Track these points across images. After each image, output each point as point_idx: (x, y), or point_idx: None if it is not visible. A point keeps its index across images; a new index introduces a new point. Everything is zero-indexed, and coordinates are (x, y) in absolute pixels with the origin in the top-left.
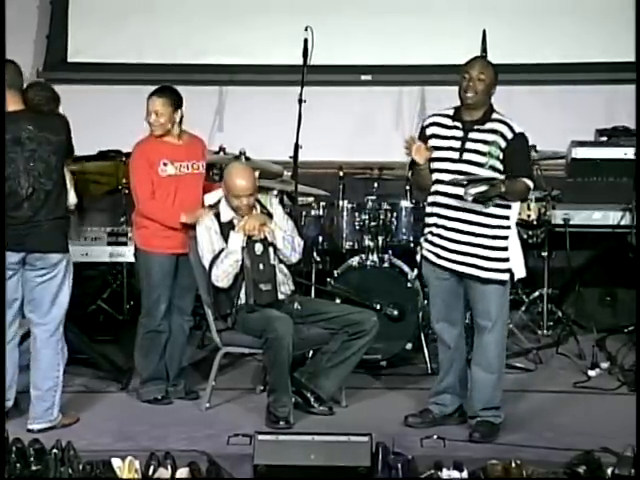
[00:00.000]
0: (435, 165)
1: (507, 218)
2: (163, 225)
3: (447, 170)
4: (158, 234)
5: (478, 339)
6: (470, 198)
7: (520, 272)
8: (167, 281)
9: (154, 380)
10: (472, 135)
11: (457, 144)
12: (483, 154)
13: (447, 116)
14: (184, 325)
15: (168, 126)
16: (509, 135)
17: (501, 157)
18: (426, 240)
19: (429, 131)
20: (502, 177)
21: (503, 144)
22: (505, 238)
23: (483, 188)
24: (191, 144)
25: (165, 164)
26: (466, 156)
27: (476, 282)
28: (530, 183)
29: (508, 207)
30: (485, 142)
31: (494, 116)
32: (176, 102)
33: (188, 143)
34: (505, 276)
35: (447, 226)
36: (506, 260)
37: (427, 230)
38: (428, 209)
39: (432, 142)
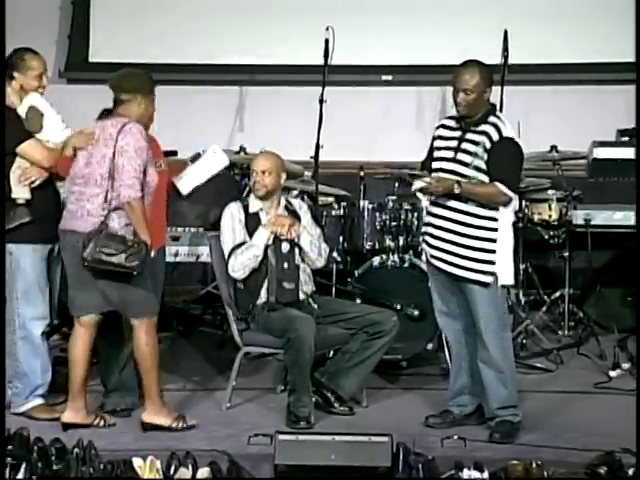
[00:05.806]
0: (434, 165)
1: (494, 220)
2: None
3: (442, 169)
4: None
5: (478, 339)
6: (414, 191)
7: (507, 279)
8: None
9: (119, 391)
10: (467, 136)
11: (454, 144)
12: (470, 154)
13: (454, 118)
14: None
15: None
16: (495, 138)
17: (485, 158)
18: (423, 239)
19: (436, 133)
20: (484, 178)
21: (488, 146)
22: (492, 240)
23: (422, 184)
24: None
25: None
26: (459, 156)
27: (463, 282)
28: (503, 188)
29: (495, 208)
30: (474, 142)
31: (490, 119)
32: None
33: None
34: (487, 278)
35: (436, 224)
36: (490, 262)
37: (424, 229)
38: (427, 208)
39: (436, 143)
